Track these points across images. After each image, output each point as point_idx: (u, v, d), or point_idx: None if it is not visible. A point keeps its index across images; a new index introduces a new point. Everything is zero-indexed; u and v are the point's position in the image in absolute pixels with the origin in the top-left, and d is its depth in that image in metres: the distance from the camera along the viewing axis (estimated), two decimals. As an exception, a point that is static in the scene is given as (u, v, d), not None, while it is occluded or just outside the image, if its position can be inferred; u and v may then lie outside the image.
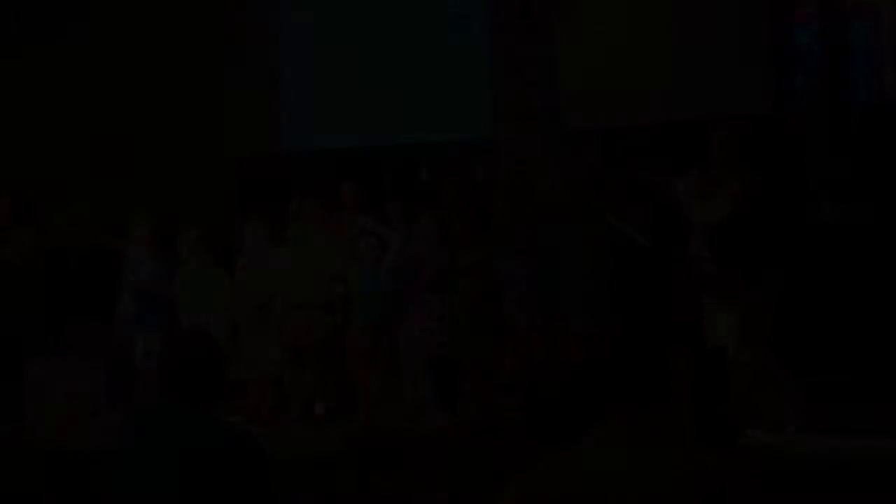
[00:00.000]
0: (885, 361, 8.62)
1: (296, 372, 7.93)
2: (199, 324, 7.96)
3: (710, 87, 6.93)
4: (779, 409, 6.38)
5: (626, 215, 7.52)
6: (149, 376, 8.47)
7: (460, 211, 7.33)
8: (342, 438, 6.14)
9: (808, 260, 6.56)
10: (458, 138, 12.11)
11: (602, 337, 7.27)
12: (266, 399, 8.08)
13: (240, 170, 13.01)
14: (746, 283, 6.34)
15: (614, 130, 11.05)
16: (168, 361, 3.49)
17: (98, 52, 13.60)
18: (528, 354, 7.61)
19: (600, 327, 7.30)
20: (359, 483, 5.56)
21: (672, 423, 2.93)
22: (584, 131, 11.21)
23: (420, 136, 12.39)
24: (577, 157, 9.35)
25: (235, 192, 12.76)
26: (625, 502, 2.75)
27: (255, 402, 8.07)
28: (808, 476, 5.06)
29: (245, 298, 8.02)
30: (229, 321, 8.17)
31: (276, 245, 8.27)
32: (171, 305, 8.44)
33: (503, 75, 9.70)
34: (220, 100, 13.00)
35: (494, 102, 10.92)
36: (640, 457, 2.80)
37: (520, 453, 5.69)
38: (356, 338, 7.54)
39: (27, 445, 7.16)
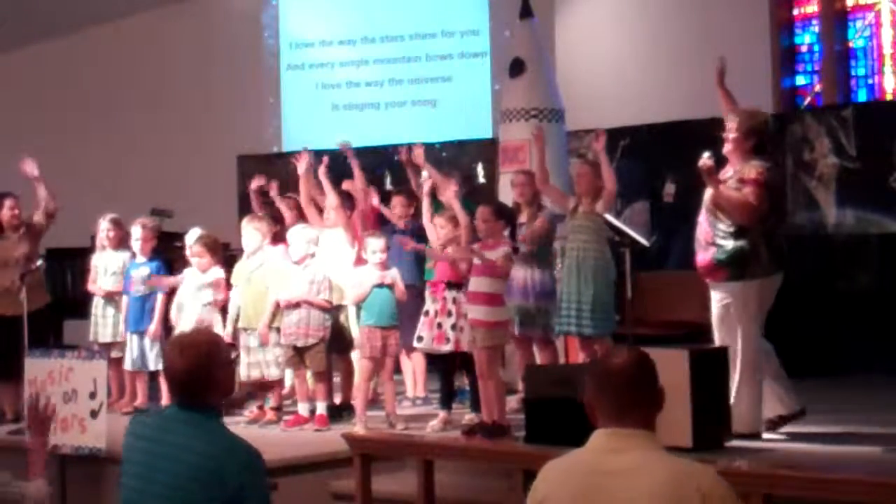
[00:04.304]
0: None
1: (296, 372, 7.92)
2: (197, 324, 7.95)
3: (711, 87, 6.91)
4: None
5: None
6: (139, 377, 8.49)
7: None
8: (343, 439, 6.14)
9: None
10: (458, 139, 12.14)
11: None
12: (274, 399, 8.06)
13: (240, 170, 13.02)
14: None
15: (615, 130, 11.06)
16: (169, 365, 3.43)
17: (98, 52, 13.61)
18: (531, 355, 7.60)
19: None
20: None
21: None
22: (586, 131, 11.23)
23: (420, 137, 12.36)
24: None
25: (236, 192, 12.78)
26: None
27: (257, 403, 8.06)
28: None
29: (245, 298, 8.01)
30: (229, 321, 8.16)
31: (275, 244, 8.25)
32: (167, 307, 8.41)
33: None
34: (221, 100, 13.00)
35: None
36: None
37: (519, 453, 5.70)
38: (366, 336, 7.51)
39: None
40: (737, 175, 6.37)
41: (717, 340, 6.47)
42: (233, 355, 3.56)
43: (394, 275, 7.55)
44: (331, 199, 8.14)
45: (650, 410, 2.92)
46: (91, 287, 8.66)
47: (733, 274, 6.32)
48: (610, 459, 2.84)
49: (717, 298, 6.45)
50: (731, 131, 6.46)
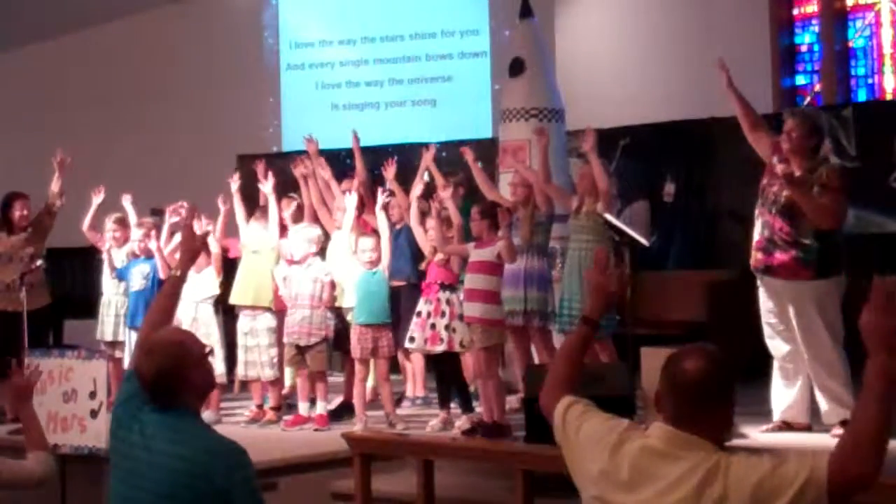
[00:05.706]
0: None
1: (298, 371, 7.92)
2: (199, 324, 7.95)
3: (711, 87, 6.92)
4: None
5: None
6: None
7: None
8: (343, 439, 6.14)
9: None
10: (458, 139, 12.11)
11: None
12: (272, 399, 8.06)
13: (240, 169, 13.00)
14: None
15: (615, 130, 11.06)
16: (138, 369, 3.37)
17: (98, 52, 13.61)
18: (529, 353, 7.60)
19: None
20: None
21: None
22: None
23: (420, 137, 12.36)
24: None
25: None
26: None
27: (256, 402, 8.06)
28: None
29: (247, 270, 8.02)
30: (228, 320, 8.16)
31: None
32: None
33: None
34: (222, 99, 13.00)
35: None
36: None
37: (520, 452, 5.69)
38: (357, 337, 7.53)
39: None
40: (816, 179, 6.33)
41: (796, 337, 6.44)
42: (206, 349, 3.48)
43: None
44: (339, 200, 8.15)
45: (713, 423, 2.77)
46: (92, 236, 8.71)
47: (819, 272, 6.31)
48: (661, 461, 2.76)
49: (795, 297, 6.40)
50: (791, 130, 6.44)
